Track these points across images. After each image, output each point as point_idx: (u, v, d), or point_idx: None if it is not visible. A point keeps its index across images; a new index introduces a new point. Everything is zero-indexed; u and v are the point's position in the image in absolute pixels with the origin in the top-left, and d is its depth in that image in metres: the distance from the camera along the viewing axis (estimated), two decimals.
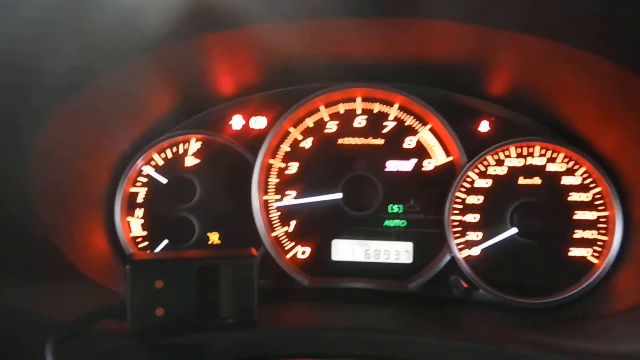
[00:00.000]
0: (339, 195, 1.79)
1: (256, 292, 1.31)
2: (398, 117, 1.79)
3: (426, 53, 1.61)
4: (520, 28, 1.32)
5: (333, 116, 1.81)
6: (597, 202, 1.70)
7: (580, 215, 1.70)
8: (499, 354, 1.27)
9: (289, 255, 1.82)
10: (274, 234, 1.81)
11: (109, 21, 1.21)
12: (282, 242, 1.82)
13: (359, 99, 1.80)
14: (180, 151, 1.83)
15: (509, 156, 1.74)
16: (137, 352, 1.25)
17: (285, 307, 1.63)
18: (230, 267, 1.31)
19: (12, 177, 1.36)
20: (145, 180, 1.82)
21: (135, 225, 1.82)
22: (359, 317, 1.57)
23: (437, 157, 1.79)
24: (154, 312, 1.25)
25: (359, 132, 1.80)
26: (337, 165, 1.81)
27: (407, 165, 1.79)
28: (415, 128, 1.79)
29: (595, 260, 1.69)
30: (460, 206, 1.75)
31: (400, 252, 1.79)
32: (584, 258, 1.70)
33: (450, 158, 1.78)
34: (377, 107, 1.80)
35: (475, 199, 1.75)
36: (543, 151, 1.72)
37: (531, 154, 1.73)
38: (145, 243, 1.82)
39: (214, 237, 1.83)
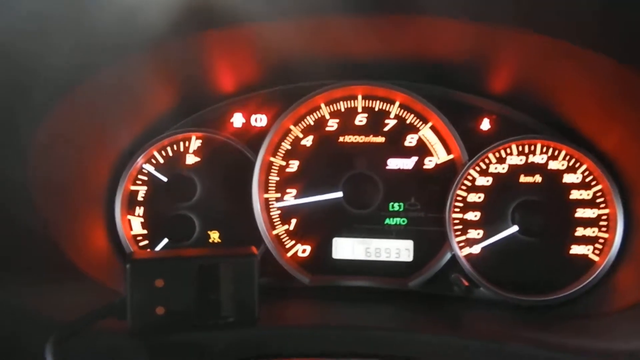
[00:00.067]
0: (339, 194, 1.79)
1: (257, 291, 1.31)
2: (399, 115, 1.79)
3: (427, 51, 1.61)
4: (521, 25, 1.31)
5: (334, 114, 1.80)
6: (598, 200, 1.70)
7: (581, 213, 1.70)
8: (499, 352, 1.27)
9: (289, 254, 1.82)
10: (274, 232, 1.81)
11: (109, 17, 1.21)
12: (283, 240, 1.82)
13: (359, 97, 1.79)
14: (181, 149, 1.83)
15: (510, 154, 1.74)
16: (137, 351, 1.25)
17: (286, 305, 1.63)
18: (230, 266, 1.30)
19: (12, 176, 1.36)
20: (145, 178, 1.82)
21: (136, 224, 1.82)
22: (360, 315, 1.57)
23: (438, 155, 1.78)
24: (154, 311, 1.25)
25: (359, 130, 1.80)
26: (338, 163, 1.80)
27: (408, 163, 1.79)
28: (416, 126, 1.78)
29: (596, 258, 1.69)
30: (461, 204, 1.75)
31: (400, 250, 1.79)
32: (585, 256, 1.70)
33: (451, 156, 1.77)
34: (378, 105, 1.79)
35: (476, 197, 1.75)
36: (544, 149, 1.72)
37: (532, 152, 1.73)
38: (146, 241, 1.82)
39: (214, 236, 1.82)
